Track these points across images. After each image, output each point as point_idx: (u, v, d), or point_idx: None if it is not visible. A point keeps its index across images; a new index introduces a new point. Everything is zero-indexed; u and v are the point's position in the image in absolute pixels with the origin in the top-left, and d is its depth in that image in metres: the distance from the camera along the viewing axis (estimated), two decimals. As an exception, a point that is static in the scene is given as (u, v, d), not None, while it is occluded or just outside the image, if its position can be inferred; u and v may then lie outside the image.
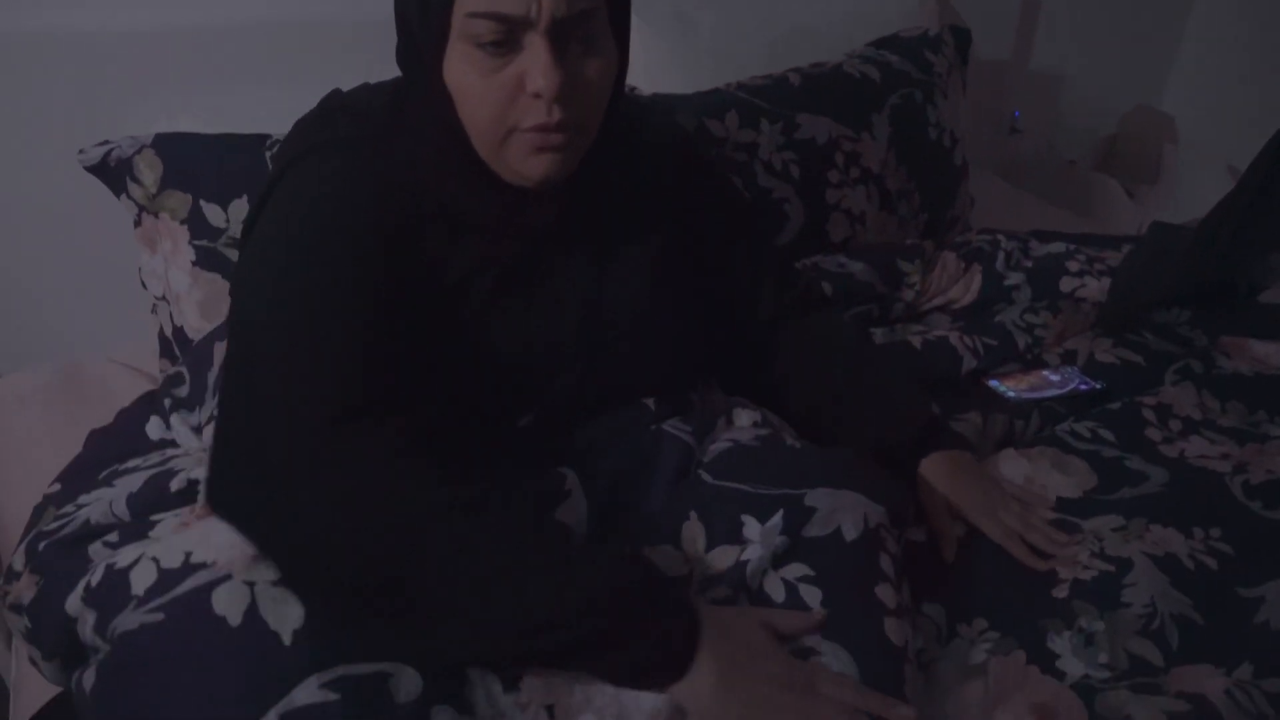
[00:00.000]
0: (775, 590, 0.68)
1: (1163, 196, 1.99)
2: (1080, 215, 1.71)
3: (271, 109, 1.03)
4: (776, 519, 0.69)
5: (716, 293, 0.87)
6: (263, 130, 1.03)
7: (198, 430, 0.88)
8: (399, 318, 0.67)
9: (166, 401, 0.92)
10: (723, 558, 0.69)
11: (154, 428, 0.91)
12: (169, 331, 1.03)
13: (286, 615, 0.61)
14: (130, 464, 0.84)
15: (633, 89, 1.17)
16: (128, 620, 0.63)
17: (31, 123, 1.11)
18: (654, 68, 1.31)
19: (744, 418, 0.82)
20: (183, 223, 1.00)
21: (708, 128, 1.18)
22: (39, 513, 0.82)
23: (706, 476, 0.73)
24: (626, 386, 0.78)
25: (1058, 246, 1.24)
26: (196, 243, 1.00)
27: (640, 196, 0.80)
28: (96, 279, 1.13)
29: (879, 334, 1.10)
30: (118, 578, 0.66)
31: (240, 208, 1.00)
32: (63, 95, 1.11)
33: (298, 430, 0.61)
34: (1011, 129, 1.99)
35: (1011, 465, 0.88)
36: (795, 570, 0.68)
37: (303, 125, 0.75)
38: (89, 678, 0.64)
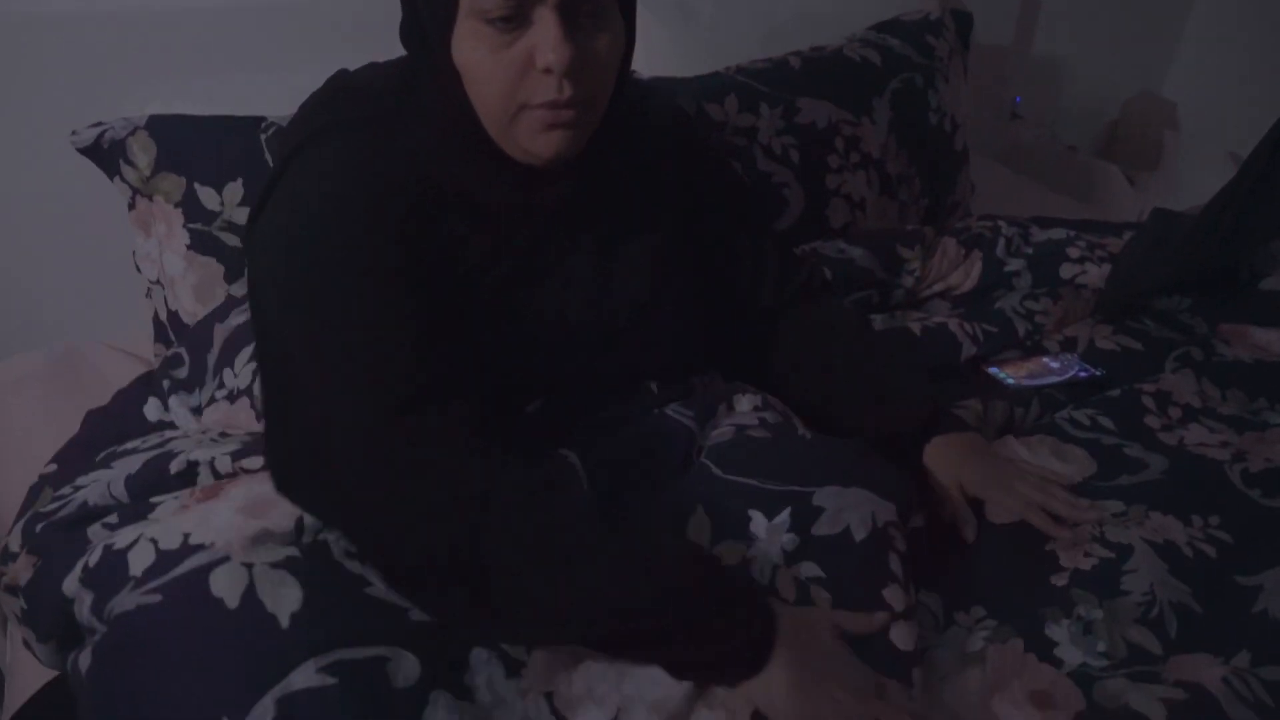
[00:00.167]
0: (787, 589, 0.67)
1: (1164, 183, 1.98)
2: (1081, 202, 1.71)
3: (266, 92, 1.03)
4: (784, 516, 0.69)
5: (718, 277, 0.86)
6: (258, 113, 1.02)
7: (197, 411, 0.88)
8: (433, 302, 0.67)
9: (165, 383, 0.91)
10: (729, 553, 0.68)
11: (152, 409, 0.90)
12: (163, 316, 1.03)
13: (284, 598, 0.61)
14: (128, 445, 0.83)
15: (633, 73, 1.16)
16: (125, 601, 0.63)
17: (25, 106, 1.10)
18: (653, 52, 1.30)
19: (744, 403, 0.82)
20: (177, 206, 0.99)
21: (707, 111, 1.17)
22: (35, 493, 0.82)
23: (714, 469, 0.73)
24: (631, 371, 0.78)
25: (1058, 233, 1.24)
26: (191, 226, 0.99)
27: (643, 178, 0.80)
28: (92, 263, 1.13)
29: (878, 320, 1.10)
30: (116, 558, 0.66)
31: (235, 191, 0.99)
32: (56, 79, 1.10)
33: (363, 425, 0.62)
34: (1012, 115, 1.98)
35: (1011, 453, 0.87)
36: (808, 569, 0.68)
37: (309, 107, 0.74)
38: (85, 659, 0.64)
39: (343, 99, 0.72)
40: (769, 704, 0.60)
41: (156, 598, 0.62)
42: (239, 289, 0.98)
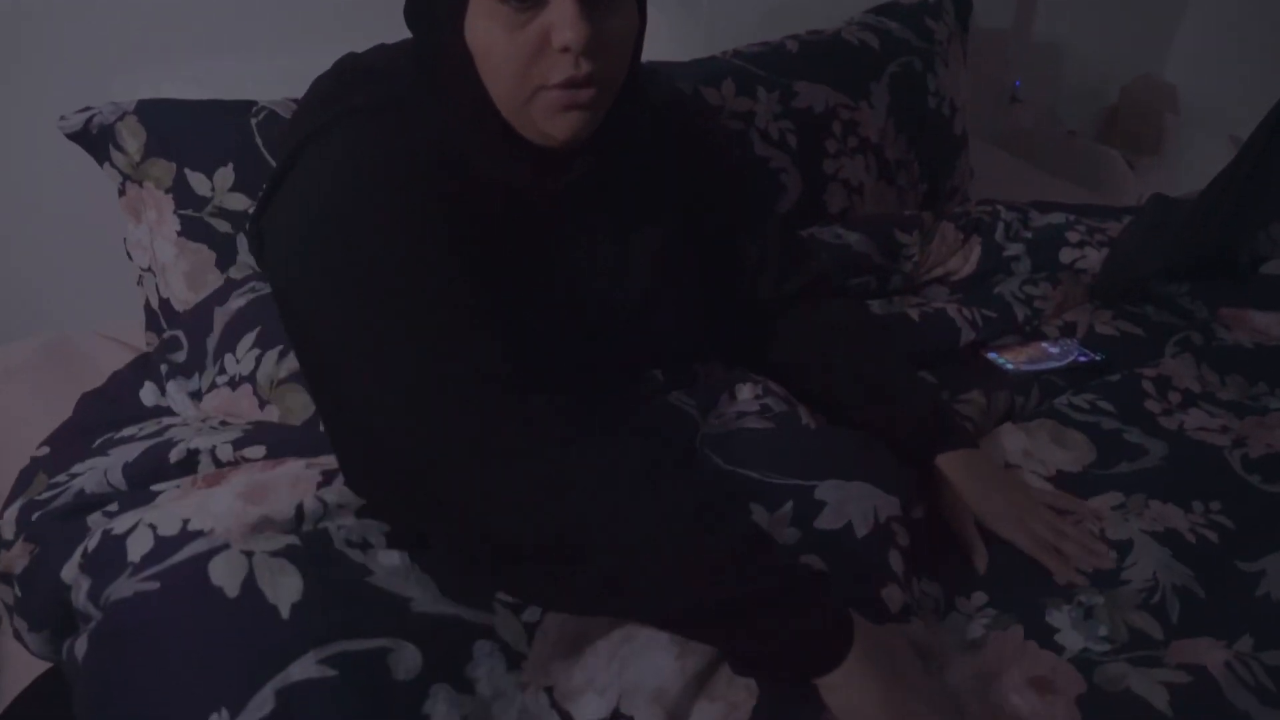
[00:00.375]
0: None
1: (1164, 168, 1.98)
2: (1081, 186, 1.70)
3: (257, 76, 1.01)
4: (786, 509, 0.69)
5: (717, 266, 0.85)
6: (248, 97, 1.01)
7: (196, 396, 0.87)
8: (478, 284, 0.66)
9: (163, 367, 0.90)
10: None
11: (148, 394, 0.89)
12: (155, 303, 1.01)
13: (285, 587, 0.60)
14: (125, 432, 0.82)
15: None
16: (122, 588, 0.62)
17: (12, 92, 1.08)
18: (649, 35, 1.28)
19: (746, 391, 0.81)
20: (167, 192, 0.97)
21: (704, 96, 1.15)
22: (28, 477, 0.80)
23: (717, 460, 0.73)
24: (640, 357, 0.77)
25: (1058, 217, 1.23)
26: (181, 212, 0.97)
27: (649, 162, 0.79)
28: (84, 251, 1.11)
29: (876, 306, 1.09)
30: (114, 544, 0.65)
31: (226, 176, 0.98)
32: (44, 64, 1.09)
33: (447, 417, 0.61)
34: (1012, 99, 1.97)
35: (1010, 439, 0.88)
36: (811, 563, 0.67)
37: (320, 91, 0.71)
38: (81, 646, 0.63)
39: (356, 82, 0.70)
40: (846, 704, 0.59)
41: (154, 585, 0.61)
42: (236, 274, 0.97)
